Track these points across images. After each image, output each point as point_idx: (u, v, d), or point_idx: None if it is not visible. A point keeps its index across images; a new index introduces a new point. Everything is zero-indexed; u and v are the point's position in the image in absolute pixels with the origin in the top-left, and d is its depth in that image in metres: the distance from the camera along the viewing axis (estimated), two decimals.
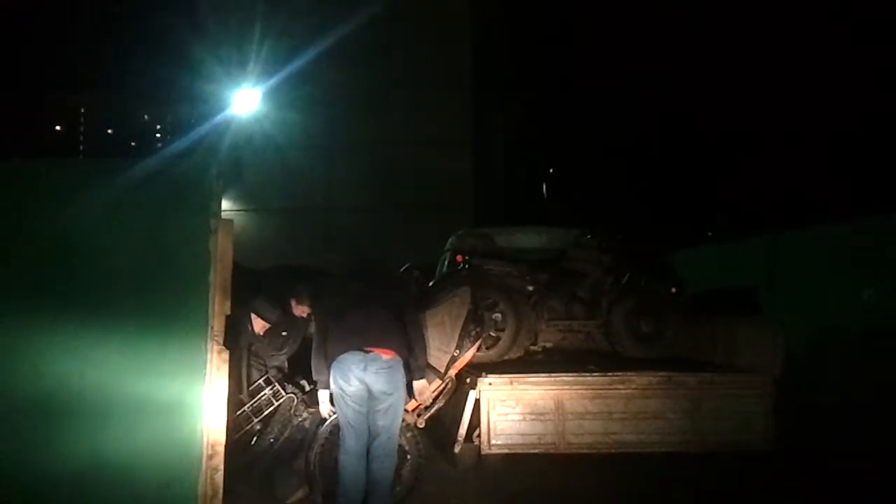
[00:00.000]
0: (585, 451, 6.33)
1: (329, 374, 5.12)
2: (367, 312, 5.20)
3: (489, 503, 6.12)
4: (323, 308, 5.48)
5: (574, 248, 7.96)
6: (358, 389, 5.02)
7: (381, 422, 5.08)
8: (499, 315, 7.33)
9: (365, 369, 4.99)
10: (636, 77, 24.08)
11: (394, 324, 5.23)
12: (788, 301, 8.56)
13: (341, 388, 5.03)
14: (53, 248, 4.18)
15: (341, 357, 5.04)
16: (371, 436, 5.14)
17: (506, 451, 6.30)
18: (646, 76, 24.22)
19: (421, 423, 5.58)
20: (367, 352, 5.03)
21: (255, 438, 5.81)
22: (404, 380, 5.18)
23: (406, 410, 5.37)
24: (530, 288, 7.65)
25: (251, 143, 19.85)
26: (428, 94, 19.80)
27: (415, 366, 5.24)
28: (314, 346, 5.30)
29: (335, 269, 6.67)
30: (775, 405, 6.42)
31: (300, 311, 6.13)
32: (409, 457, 5.55)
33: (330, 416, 5.39)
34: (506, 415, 6.30)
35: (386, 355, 5.06)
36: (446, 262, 8.25)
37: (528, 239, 8.44)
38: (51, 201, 4.24)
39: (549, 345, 7.78)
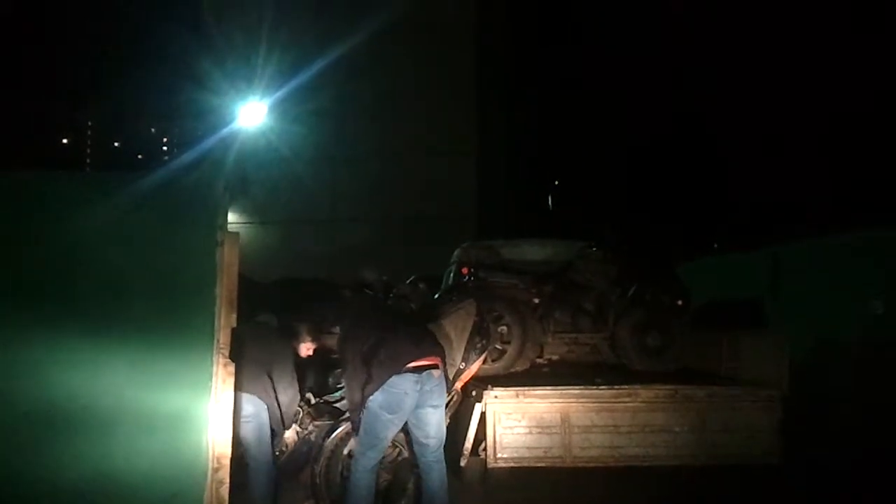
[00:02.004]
0: (592, 464, 6.31)
1: (368, 395, 5.05)
2: (402, 330, 5.26)
3: None
4: (353, 337, 5.39)
5: (580, 260, 7.94)
6: (407, 412, 5.03)
7: (434, 434, 5.13)
8: (504, 327, 7.32)
9: (421, 390, 5.01)
10: (641, 88, 24.11)
11: (429, 336, 5.35)
12: (793, 312, 8.55)
13: (391, 411, 4.98)
14: (59, 261, 4.18)
15: (394, 381, 4.97)
16: (421, 451, 5.18)
17: (512, 464, 6.29)
18: (650, 87, 24.26)
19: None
20: (419, 371, 5.02)
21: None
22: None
23: None
24: (536, 300, 7.64)
25: (257, 155, 19.92)
26: (432, 106, 19.87)
27: None
28: (348, 371, 5.28)
29: (343, 285, 6.68)
30: (782, 418, 6.39)
31: (305, 349, 5.92)
32: (414, 470, 5.54)
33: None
34: (512, 428, 6.28)
35: (436, 371, 5.10)
36: (452, 275, 8.23)
37: (533, 251, 8.41)
38: (57, 213, 4.24)
39: (554, 357, 7.76)
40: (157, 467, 4.09)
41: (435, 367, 5.11)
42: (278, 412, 5.52)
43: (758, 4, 22.42)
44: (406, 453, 5.52)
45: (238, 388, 5.22)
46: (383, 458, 5.45)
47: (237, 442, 5.46)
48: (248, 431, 5.38)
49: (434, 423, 5.13)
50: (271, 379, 5.49)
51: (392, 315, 5.52)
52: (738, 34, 22.82)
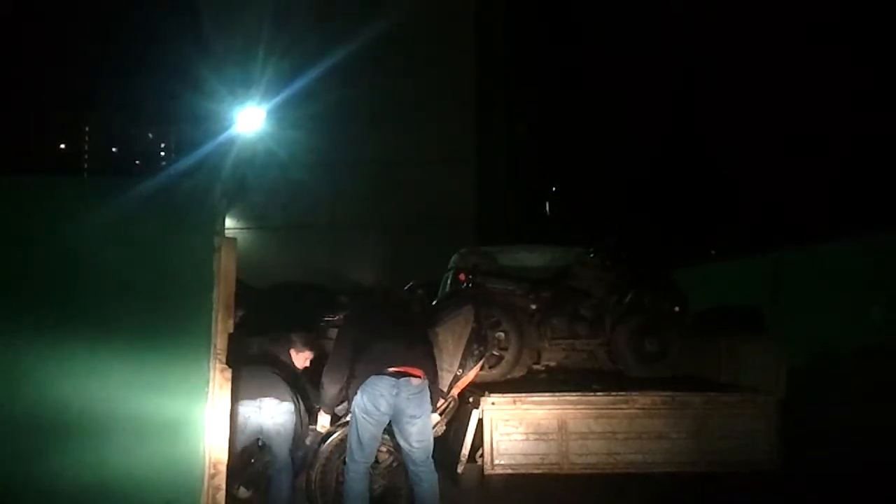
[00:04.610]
0: (589, 471, 6.29)
1: (352, 393, 5.13)
2: (394, 334, 5.26)
3: None
4: (347, 332, 5.44)
5: (577, 267, 7.94)
6: (384, 415, 5.05)
7: (416, 443, 5.14)
8: (502, 334, 7.30)
9: (397, 395, 5.03)
10: (640, 95, 24.16)
11: (421, 346, 5.32)
12: (792, 319, 8.56)
13: (367, 412, 5.02)
14: (57, 266, 4.19)
15: (372, 381, 5.03)
16: (407, 460, 5.21)
17: (509, 470, 6.26)
18: (649, 94, 24.31)
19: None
20: (398, 376, 5.04)
21: (254, 457, 5.78)
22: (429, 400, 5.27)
23: None
24: (533, 306, 7.63)
25: (255, 161, 19.90)
26: (431, 112, 19.87)
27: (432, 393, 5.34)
28: (331, 364, 5.30)
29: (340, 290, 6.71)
30: (780, 424, 6.38)
31: (302, 359, 5.88)
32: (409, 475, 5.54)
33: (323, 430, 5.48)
34: (509, 434, 6.26)
35: (416, 379, 5.10)
36: (449, 281, 8.22)
37: (531, 257, 8.41)
38: (55, 218, 4.25)
39: (552, 364, 7.75)
40: (154, 473, 4.09)
41: (416, 376, 5.10)
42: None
43: (760, 10, 22.47)
44: (401, 459, 5.52)
45: (271, 394, 5.31)
46: (378, 463, 5.47)
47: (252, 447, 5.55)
48: (281, 436, 5.42)
49: (415, 433, 5.12)
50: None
51: (388, 319, 5.52)
52: (739, 39, 22.87)
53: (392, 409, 5.04)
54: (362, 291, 5.91)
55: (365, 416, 5.03)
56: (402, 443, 5.19)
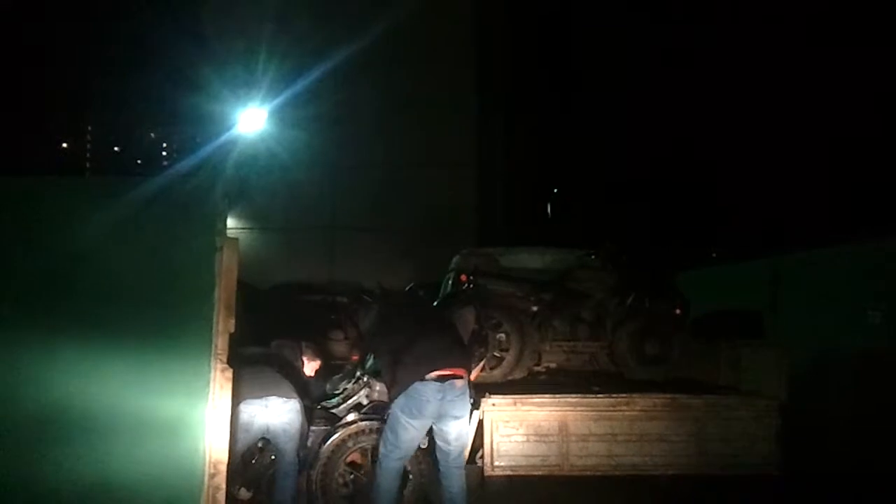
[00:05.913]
0: (589, 472, 6.29)
1: (393, 396, 5.16)
2: (434, 334, 5.31)
3: None
4: (383, 338, 5.49)
5: (578, 269, 7.94)
6: (428, 419, 5.09)
7: (455, 441, 5.22)
8: (503, 335, 7.30)
9: (443, 399, 5.05)
10: (640, 97, 24.17)
11: (460, 345, 5.40)
12: (793, 323, 8.55)
13: (411, 416, 5.04)
14: (59, 266, 4.19)
15: (417, 387, 5.03)
16: (440, 455, 5.28)
17: (509, 472, 6.26)
18: (649, 97, 24.32)
19: (424, 444, 5.56)
20: (443, 380, 5.05)
21: (255, 457, 5.79)
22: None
23: None
24: (534, 308, 7.63)
25: (257, 162, 19.89)
26: (432, 115, 19.85)
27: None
28: (383, 366, 5.38)
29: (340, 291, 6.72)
30: (780, 428, 6.38)
31: (312, 368, 6.00)
32: (411, 477, 5.54)
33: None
34: (509, 436, 6.26)
35: (459, 381, 5.13)
36: (450, 282, 8.22)
37: (532, 259, 8.40)
38: (57, 218, 4.25)
39: (552, 365, 7.75)
40: (154, 473, 4.08)
41: (459, 377, 5.13)
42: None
43: (760, 17, 22.49)
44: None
45: (277, 392, 5.35)
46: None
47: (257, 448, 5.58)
48: (287, 434, 5.45)
49: (454, 432, 5.21)
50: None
51: (423, 318, 5.54)
52: (738, 45, 22.89)
53: (437, 413, 5.07)
54: (361, 293, 5.92)
55: (409, 420, 5.04)
56: (439, 441, 5.24)
